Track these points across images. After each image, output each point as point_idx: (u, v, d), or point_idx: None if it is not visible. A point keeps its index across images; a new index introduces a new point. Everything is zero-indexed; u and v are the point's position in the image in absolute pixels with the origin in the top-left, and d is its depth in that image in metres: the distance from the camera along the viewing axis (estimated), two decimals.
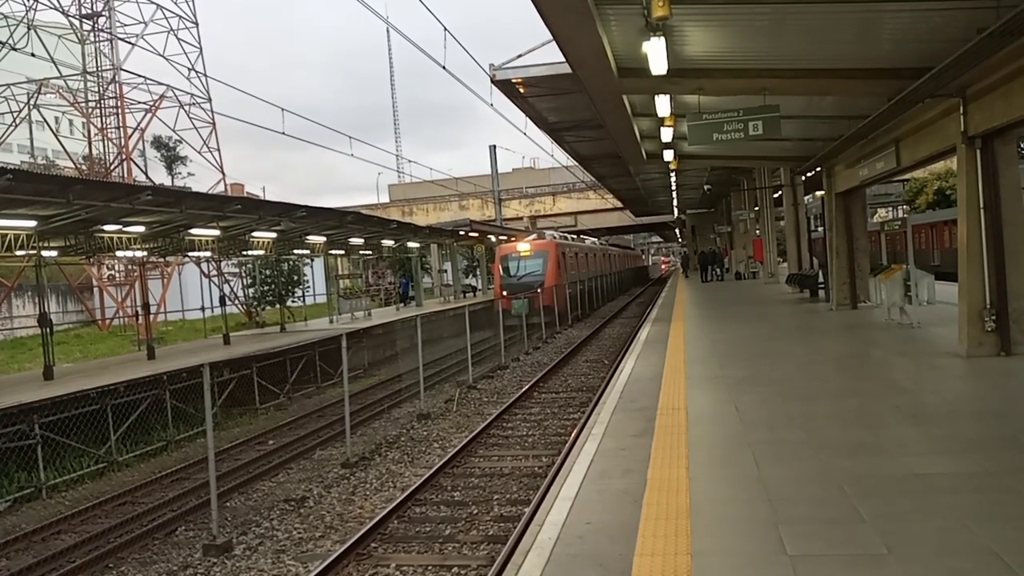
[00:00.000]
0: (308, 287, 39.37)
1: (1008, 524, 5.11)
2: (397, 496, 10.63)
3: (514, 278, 34.91)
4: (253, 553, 9.28)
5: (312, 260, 37.84)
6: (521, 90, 19.37)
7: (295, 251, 30.68)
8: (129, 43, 40.02)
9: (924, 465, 6.52)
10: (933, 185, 47.84)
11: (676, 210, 52.90)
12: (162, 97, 41.56)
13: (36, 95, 40.90)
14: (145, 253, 22.99)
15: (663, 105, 15.05)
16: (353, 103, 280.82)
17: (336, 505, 10.88)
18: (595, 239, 56.55)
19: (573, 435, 12.09)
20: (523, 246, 36.35)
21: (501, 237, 42.93)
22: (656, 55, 10.34)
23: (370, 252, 36.66)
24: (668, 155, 21.17)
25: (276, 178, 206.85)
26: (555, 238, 38.57)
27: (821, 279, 23.21)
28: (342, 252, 34.43)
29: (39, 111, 41.68)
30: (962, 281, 11.60)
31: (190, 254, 26.62)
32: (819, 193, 24.21)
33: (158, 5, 41.49)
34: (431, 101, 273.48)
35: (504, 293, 32.43)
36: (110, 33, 39.89)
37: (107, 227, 17.73)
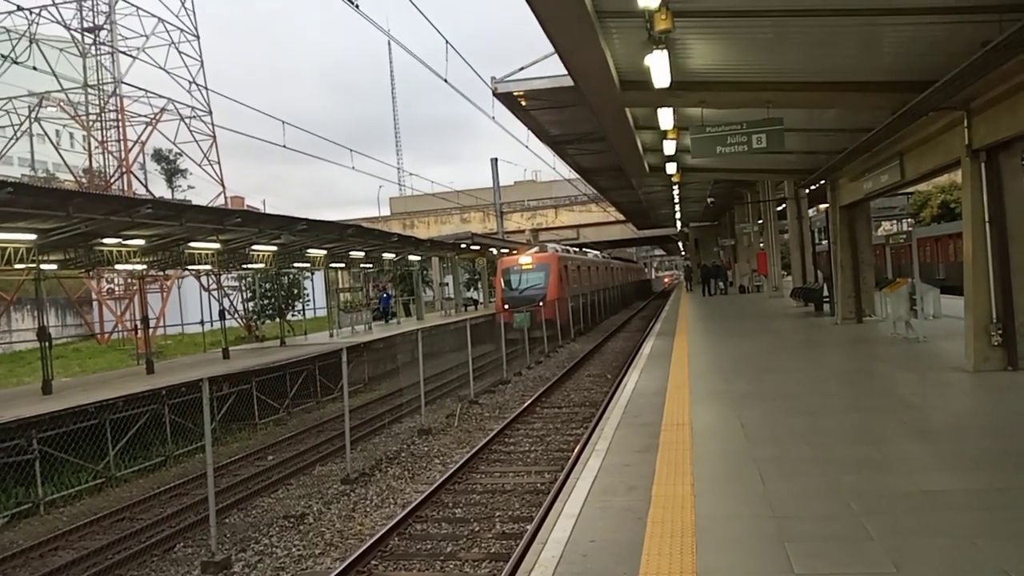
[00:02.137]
0: (308, 301, 39.30)
1: (1017, 542, 5.03)
2: (398, 513, 10.53)
3: (516, 291, 34.64)
4: (252, 570, 9.19)
5: (312, 273, 37.77)
6: (523, 103, 19.36)
7: (295, 264, 30.64)
8: (130, 56, 40.20)
9: (932, 481, 6.43)
10: (938, 198, 47.75)
11: (679, 223, 52.84)
12: (163, 110, 41.67)
13: (37, 108, 41.03)
14: (145, 267, 22.94)
15: (666, 118, 15.00)
16: (346, 116, 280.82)
17: (336, 522, 10.77)
18: (597, 252, 56.49)
19: (576, 451, 11.99)
20: (525, 259, 36.10)
21: (503, 250, 42.87)
22: (659, 68, 10.30)
23: (371, 265, 36.62)
24: (671, 168, 21.09)
25: (274, 191, 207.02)
26: (557, 251, 38.46)
27: (826, 293, 23.12)
28: (343, 265, 34.39)
29: (40, 124, 41.81)
30: (968, 295, 11.52)
31: (190, 268, 26.57)
32: (823, 206, 24.20)
33: (160, 19, 41.64)
34: (428, 115, 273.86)
35: (506, 306, 32.26)
36: (111, 46, 40.03)
37: (107, 240, 17.70)
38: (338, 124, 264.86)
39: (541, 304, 30.49)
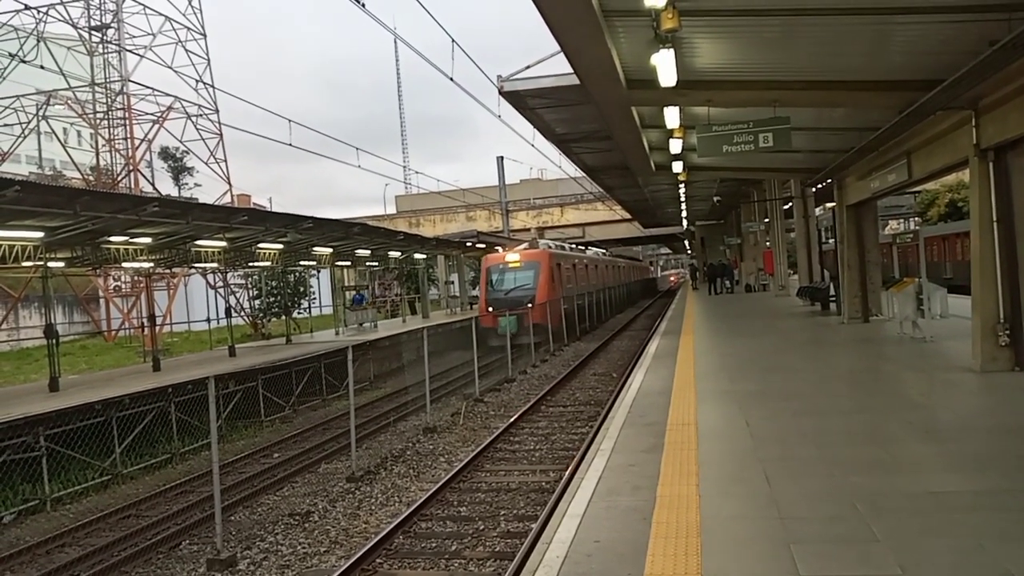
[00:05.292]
0: (314, 298, 39.34)
1: None
2: (403, 511, 10.52)
3: (501, 292, 31.45)
4: (257, 568, 9.19)
5: (318, 271, 37.81)
6: (529, 102, 19.32)
7: (301, 262, 30.67)
8: (137, 55, 40.29)
9: (938, 483, 6.41)
10: (945, 197, 47.68)
11: (685, 221, 52.76)
12: (169, 108, 41.80)
13: (45, 106, 41.19)
14: (151, 264, 23.00)
15: (672, 117, 15.00)
16: (347, 116, 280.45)
17: (341, 520, 10.78)
18: (600, 250, 56.34)
19: (581, 450, 11.98)
20: (512, 256, 33.02)
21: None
22: (665, 67, 10.30)
23: (376, 263, 36.63)
24: (677, 167, 21.08)
25: (277, 190, 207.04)
26: (549, 248, 35.61)
27: (832, 292, 23.06)
28: (348, 263, 34.41)
29: (47, 122, 41.99)
30: (975, 295, 11.48)
31: (196, 265, 26.63)
32: (830, 205, 24.10)
33: (167, 17, 41.76)
34: (430, 113, 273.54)
35: (490, 309, 29.78)
36: (119, 45, 40.14)
37: (114, 238, 17.74)
38: (340, 123, 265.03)
39: (530, 306, 28.45)
